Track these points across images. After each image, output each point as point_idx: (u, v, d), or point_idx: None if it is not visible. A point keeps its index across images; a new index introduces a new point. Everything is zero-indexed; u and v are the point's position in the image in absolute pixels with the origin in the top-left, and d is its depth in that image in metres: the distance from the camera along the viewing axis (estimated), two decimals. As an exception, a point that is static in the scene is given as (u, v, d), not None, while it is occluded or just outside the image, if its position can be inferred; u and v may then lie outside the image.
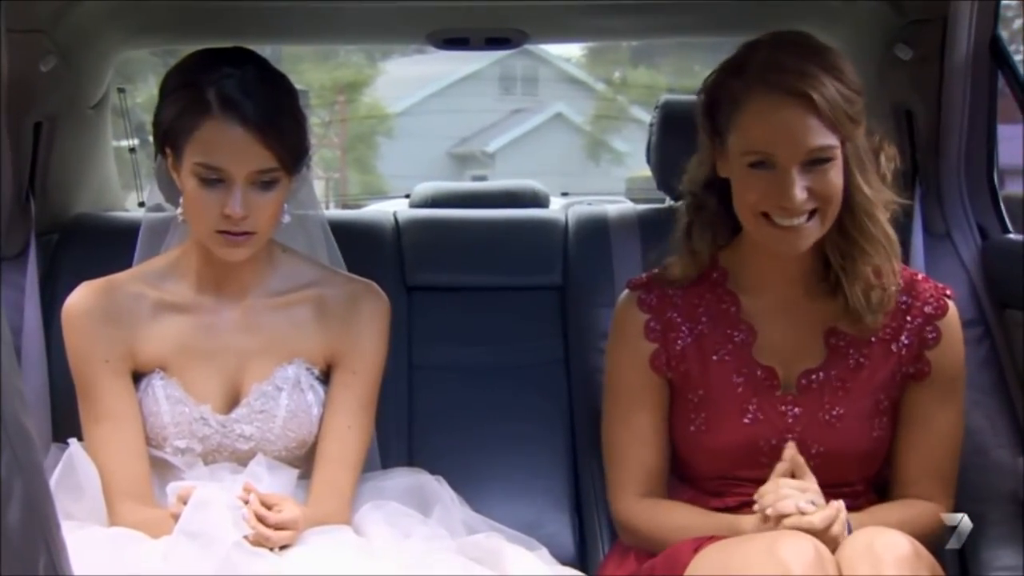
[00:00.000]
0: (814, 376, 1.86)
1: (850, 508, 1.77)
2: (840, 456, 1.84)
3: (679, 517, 1.84)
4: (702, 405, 1.87)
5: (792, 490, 1.70)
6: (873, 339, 1.86)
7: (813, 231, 1.78)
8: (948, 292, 1.90)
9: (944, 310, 1.88)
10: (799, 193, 1.73)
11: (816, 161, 1.74)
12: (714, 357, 1.87)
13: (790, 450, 1.77)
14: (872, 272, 1.82)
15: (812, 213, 1.77)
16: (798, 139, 1.73)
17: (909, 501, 1.87)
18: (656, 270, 1.95)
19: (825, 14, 2.48)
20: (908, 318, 1.87)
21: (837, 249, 1.83)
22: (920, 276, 1.92)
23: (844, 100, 1.73)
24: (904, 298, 1.87)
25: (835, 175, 1.76)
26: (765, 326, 1.88)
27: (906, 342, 1.87)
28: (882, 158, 1.82)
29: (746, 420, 1.84)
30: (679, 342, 1.88)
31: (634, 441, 1.90)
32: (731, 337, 1.88)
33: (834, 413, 1.84)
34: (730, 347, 1.87)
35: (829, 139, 1.74)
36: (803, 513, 1.66)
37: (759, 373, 1.86)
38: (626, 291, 1.95)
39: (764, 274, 1.88)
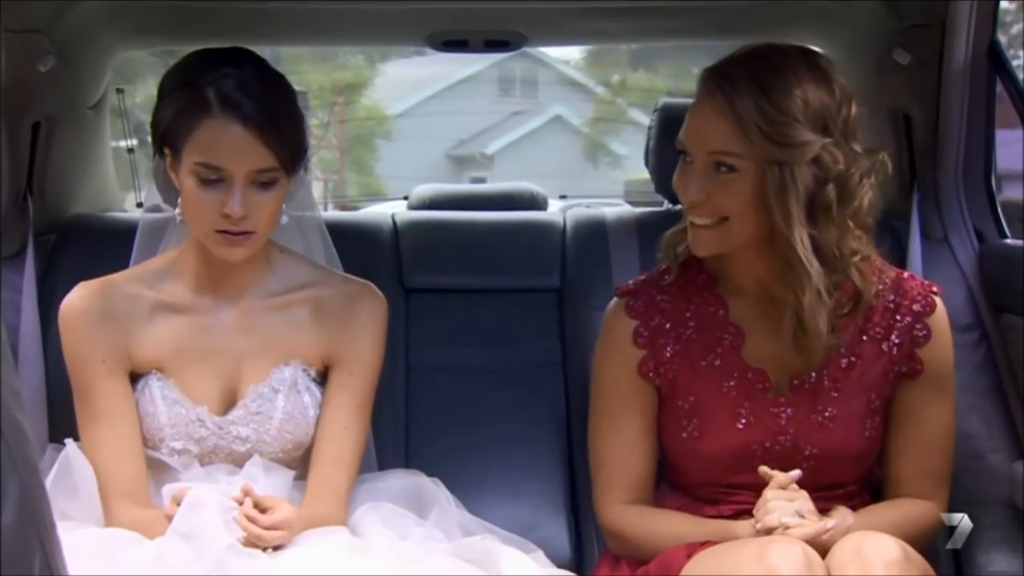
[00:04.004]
0: (806, 376, 1.85)
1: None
2: (833, 457, 1.83)
3: (670, 523, 1.84)
4: (693, 411, 1.86)
5: (780, 502, 1.70)
6: (864, 338, 1.85)
7: (713, 236, 1.78)
8: (935, 289, 1.90)
9: (932, 307, 1.88)
10: (695, 194, 1.76)
11: (718, 164, 1.75)
12: (703, 362, 1.86)
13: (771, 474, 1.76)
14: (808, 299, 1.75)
15: (722, 220, 1.77)
16: (706, 136, 1.75)
17: (904, 500, 1.87)
18: (643, 276, 1.95)
19: (822, 18, 2.49)
20: (897, 317, 1.86)
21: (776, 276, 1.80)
22: (906, 275, 1.91)
23: (761, 116, 1.71)
24: (892, 297, 1.86)
25: (737, 187, 1.75)
26: (754, 328, 1.87)
27: (897, 341, 1.86)
28: (829, 188, 1.74)
29: (739, 425, 1.84)
30: (668, 348, 1.88)
31: (621, 447, 1.89)
32: (720, 340, 1.86)
33: (827, 414, 1.84)
34: (719, 351, 1.86)
35: (734, 147, 1.73)
36: (787, 527, 1.66)
37: (750, 376, 1.85)
38: (615, 298, 1.94)
39: (746, 276, 1.86)
